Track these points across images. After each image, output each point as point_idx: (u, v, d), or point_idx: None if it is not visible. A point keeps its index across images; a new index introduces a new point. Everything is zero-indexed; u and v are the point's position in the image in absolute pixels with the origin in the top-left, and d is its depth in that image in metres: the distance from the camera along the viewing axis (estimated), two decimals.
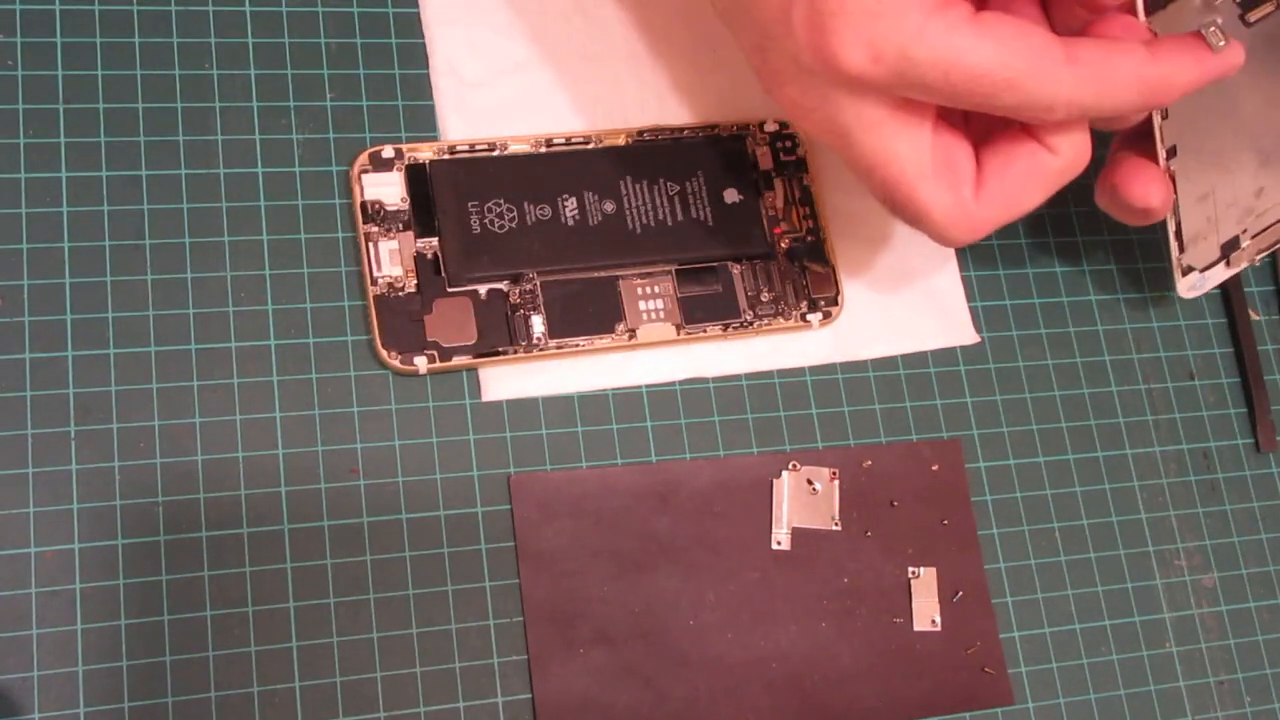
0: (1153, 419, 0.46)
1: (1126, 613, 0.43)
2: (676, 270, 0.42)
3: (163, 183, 0.40)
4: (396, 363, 0.39)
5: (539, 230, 0.41)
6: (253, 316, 0.39)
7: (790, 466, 0.42)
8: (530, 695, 0.38)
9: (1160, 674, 0.43)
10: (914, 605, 0.41)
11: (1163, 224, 0.40)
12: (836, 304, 0.43)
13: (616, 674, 0.39)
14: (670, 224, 0.42)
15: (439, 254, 0.40)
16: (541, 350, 0.40)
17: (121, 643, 0.36)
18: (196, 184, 0.40)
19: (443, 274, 0.40)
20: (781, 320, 0.42)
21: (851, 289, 0.43)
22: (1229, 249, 0.42)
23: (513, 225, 0.41)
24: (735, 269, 0.42)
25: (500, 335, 0.40)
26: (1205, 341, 0.47)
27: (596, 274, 0.41)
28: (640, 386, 0.41)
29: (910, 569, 0.42)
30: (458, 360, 0.39)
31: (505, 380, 0.40)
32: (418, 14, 0.43)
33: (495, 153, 0.41)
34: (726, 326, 0.42)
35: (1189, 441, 0.46)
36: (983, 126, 0.37)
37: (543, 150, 0.42)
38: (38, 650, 0.35)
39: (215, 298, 0.39)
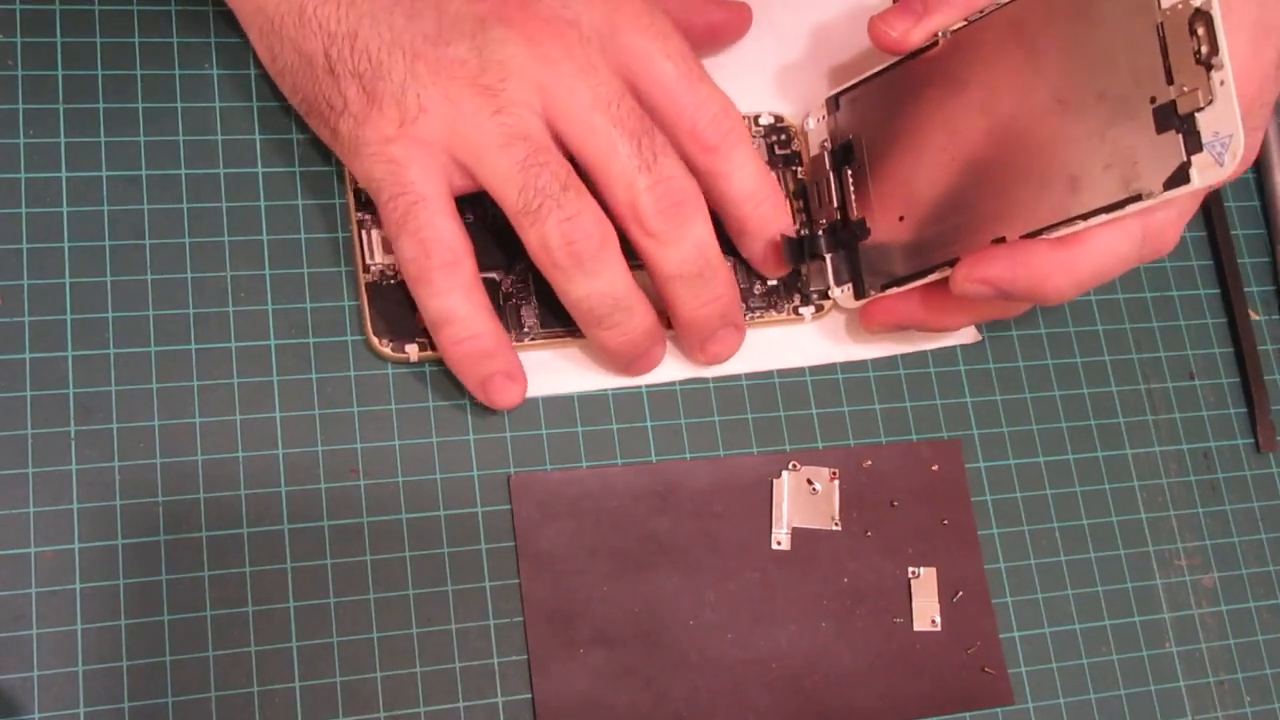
0: (1153, 419, 0.46)
1: (1126, 613, 0.43)
2: None
3: (163, 183, 0.40)
4: (388, 350, 0.39)
5: None
6: (253, 316, 0.39)
7: (790, 466, 0.42)
8: (530, 695, 0.38)
9: (1160, 674, 0.43)
10: (914, 605, 0.41)
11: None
12: (829, 298, 0.43)
13: (616, 674, 0.39)
14: None
15: None
16: (532, 340, 0.40)
17: (121, 643, 0.36)
18: (196, 184, 0.40)
19: None
20: (774, 314, 0.42)
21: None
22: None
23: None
24: (729, 262, 0.42)
25: None
26: (1205, 341, 0.47)
27: None
28: (640, 386, 0.41)
29: (910, 569, 0.42)
30: None
31: None
32: None
33: None
34: None
35: (1189, 441, 0.46)
36: None
37: None
38: (38, 650, 0.35)
39: (215, 298, 0.39)
